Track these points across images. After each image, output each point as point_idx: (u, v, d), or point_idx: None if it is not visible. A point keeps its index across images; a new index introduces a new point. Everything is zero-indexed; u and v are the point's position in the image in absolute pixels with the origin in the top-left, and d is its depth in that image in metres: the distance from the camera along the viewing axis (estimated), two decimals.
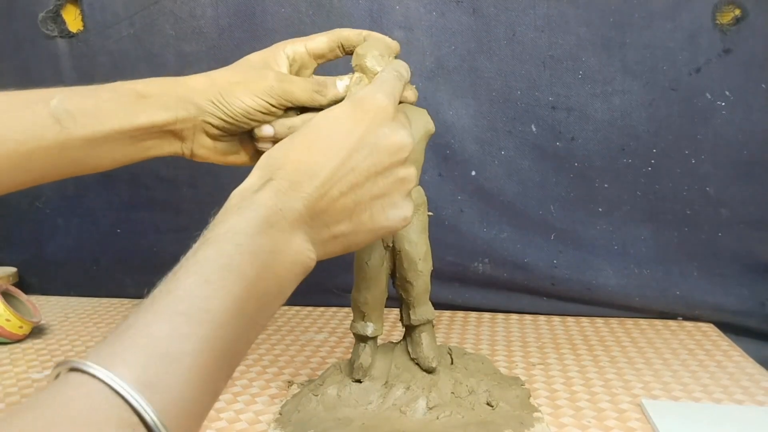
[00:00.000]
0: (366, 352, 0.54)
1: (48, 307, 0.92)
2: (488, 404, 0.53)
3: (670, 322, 0.80)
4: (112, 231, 0.95)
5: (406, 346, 0.56)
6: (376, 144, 0.38)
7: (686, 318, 0.81)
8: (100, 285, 0.97)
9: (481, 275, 0.85)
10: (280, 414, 0.55)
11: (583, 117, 0.78)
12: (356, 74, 0.48)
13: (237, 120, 0.47)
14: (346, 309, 0.86)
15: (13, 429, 0.23)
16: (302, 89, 0.47)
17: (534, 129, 0.80)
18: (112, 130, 0.44)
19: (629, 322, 0.80)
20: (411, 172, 0.40)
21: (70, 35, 0.89)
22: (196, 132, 0.47)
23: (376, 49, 0.48)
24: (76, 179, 0.94)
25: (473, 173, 0.82)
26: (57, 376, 0.27)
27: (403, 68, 0.46)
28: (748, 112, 0.74)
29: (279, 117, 0.48)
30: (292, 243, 0.35)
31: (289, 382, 0.64)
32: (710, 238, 0.78)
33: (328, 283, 0.88)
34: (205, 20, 0.84)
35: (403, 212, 0.40)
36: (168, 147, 0.48)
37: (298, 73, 0.51)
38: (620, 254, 0.81)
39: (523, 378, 0.62)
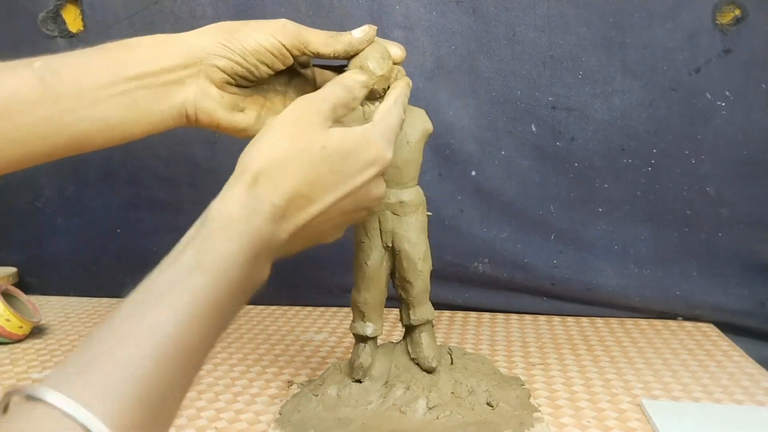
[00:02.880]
0: (366, 352, 0.54)
1: (48, 307, 0.92)
2: (488, 404, 0.53)
3: (670, 322, 0.80)
4: (112, 231, 0.95)
5: (406, 346, 0.56)
6: (364, 196, 0.40)
7: (686, 318, 0.81)
8: (100, 285, 0.97)
9: (481, 275, 0.85)
10: (280, 414, 0.55)
11: (583, 117, 0.78)
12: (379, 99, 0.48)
13: (247, 60, 0.44)
14: (346, 309, 0.86)
15: None
16: (316, 34, 0.45)
17: (534, 129, 0.80)
18: (100, 84, 0.41)
19: (629, 323, 0.80)
20: (368, 215, 0.45)
21: (70, 35, 0.89)
22: (200, 80, 0.44)
23: (377, 52, 0.48)
24: (75, 178, 0.94)
25: (473, 173, 0.82)
26: (5, 407, 0.23)
27: (405, 98, 0.47)
28: (748, 112, 0.74)
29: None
30: (266, 269, 0.36)
31: (289, 382, 0.64)
32: (710, 238, 0.78)
33: (328, 283, 0.88)
34: (205, 20, 0.84)
35: (340, 233, 0.43)
36: (167, 102, 0.43)
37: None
38: (620, 254, 0.81)
39: (523, 378, 0.62)
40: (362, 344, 0.55)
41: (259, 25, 0.44)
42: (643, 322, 0.80)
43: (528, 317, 0.84)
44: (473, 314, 0.85)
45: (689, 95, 0.75)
